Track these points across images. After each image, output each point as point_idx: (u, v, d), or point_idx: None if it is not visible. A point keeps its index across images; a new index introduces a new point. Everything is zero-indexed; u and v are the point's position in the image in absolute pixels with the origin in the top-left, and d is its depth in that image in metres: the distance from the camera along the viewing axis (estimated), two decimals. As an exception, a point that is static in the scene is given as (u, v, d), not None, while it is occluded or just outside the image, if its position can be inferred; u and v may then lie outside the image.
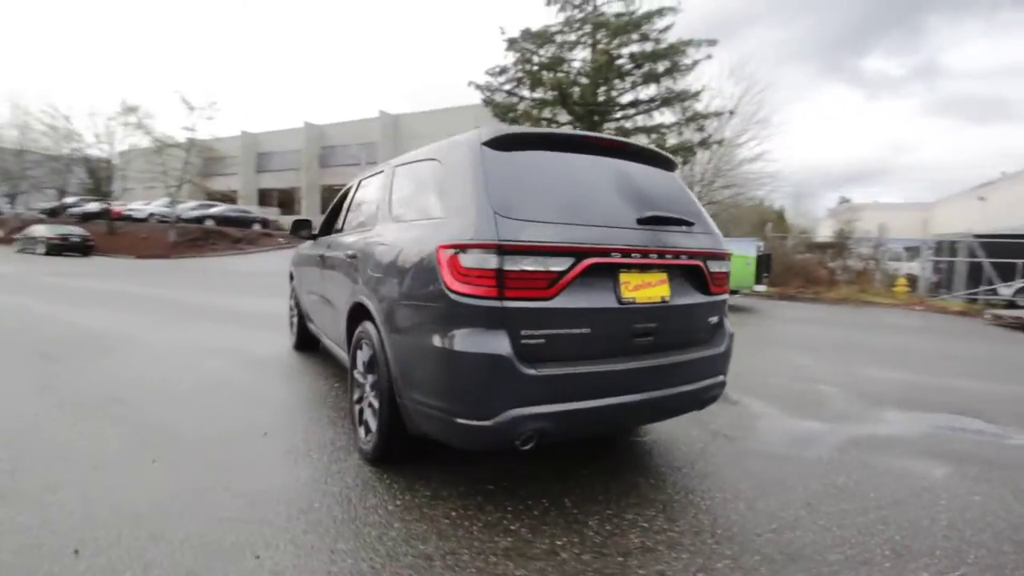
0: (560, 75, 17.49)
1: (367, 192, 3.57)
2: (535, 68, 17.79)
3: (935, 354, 6.72)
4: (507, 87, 18.55)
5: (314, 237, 4.57)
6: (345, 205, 3.89)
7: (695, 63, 16.98)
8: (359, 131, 35.80)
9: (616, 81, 17.13)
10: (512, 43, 18.01)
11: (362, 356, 2.74)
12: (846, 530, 2.22)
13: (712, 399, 2.59)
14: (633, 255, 2.22)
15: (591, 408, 2.08)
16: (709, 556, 2.00)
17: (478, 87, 18.94)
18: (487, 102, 18.89)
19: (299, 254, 5.00)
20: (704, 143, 16.89)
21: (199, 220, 25.58)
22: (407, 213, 2.71)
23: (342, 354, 3.29)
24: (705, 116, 16.91)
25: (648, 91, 17.74)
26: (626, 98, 17.64)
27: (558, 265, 2.06)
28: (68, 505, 2.20)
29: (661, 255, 2.33)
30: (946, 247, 14.94)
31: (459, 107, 32.43)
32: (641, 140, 18.34)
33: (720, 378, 2.59)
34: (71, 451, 2.75)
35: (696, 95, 17.20)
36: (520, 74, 18.01)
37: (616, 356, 2.19)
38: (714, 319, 2.62)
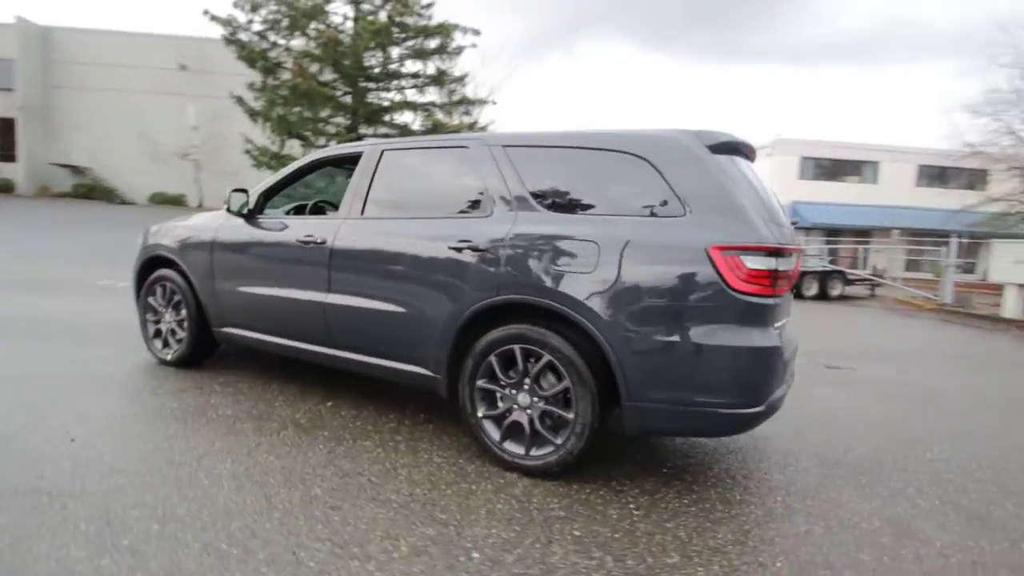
0: (328, 29, 15.83)
1: (429, 169, 3.03)
2: (294, 13, 15.63)
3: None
4: (259, 28, 15.78)
5: (250, 216, 3.46)
6: (362, 183, 3.11)
7: (461, 49, 17.72)
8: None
9: (392, 49, 16.52)
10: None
11: (531, 369, 2.49)
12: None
13: None
14: (796, 254, 2.66)
15: None
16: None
17: (216, 19, 15.54)
18: (230, 41, 15.73)
19: (202, 238, 3.65)
20: (473, 127, 17.90)
21: None
22: (570, 204, 2.53)
23: (319, 358, 3.18)
24: (472, 101, 17.90)
25: (417, 67, 17.72)
26: (396, 69, 17.20)
27: (789, 265, 2.36)
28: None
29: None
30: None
31: (157, 35, 25.82)
32: (408, 116, 18.29)
33: None
34: None
35: (462, 79, 18.01)
36: (278, 16, 15.54)
37: None
38: None
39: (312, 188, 4.57)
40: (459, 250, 2.66)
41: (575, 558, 1.93)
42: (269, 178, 3.60)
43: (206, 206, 25.86)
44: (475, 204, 2.76)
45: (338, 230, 3.07)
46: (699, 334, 2.21)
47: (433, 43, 17.20)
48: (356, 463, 2.56)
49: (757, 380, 2.24)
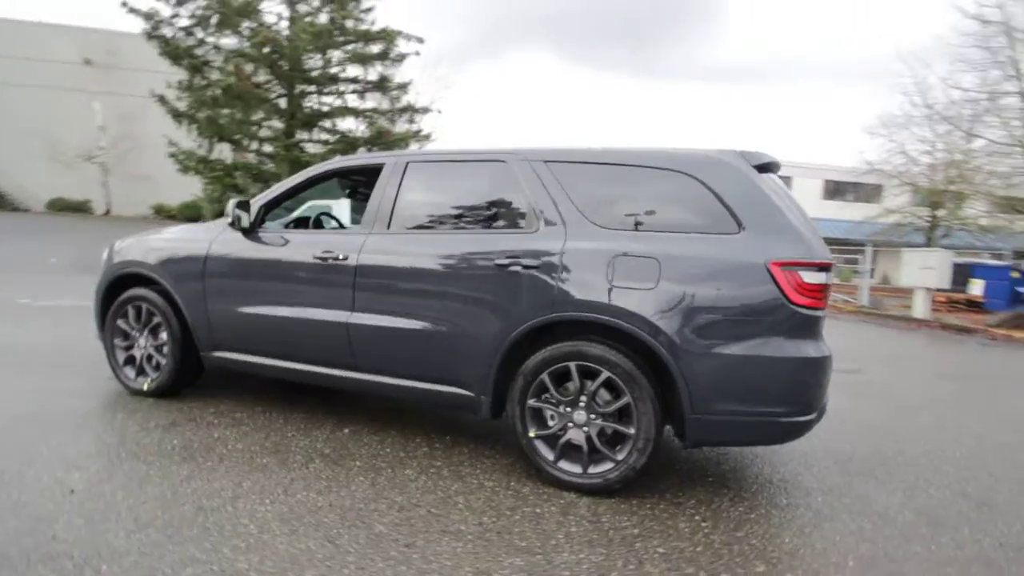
0: (263, 28, 15.02)
1: (463, 183, 2.95)
2: (225, 10, 14.70)
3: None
4: (185, 23, 14.69)
5: (250, 230, 3.20)
6: (387, 196, 2.96)
7: (404, 56, 17.44)
8: None
9: (332, 52, 15.93)
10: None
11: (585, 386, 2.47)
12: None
13: None
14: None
15: None
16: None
17: (135, 12, 14.29)
18: (152, 36, 14.54)
19: (191, 253, 3.32)
20: (417, 136, 17.62)
21: None
22: (622, 221, 2.55)
23: (330, 380, 3.03)
24: (416, 109, 17.63)
25: (358, 72, 17.22)
26: (337, 74, 16.62)
27: (832, 278, 2.50)
28: None
29: None
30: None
31: (60, 26, 23.44)
32: (350, 122, 17.75)
33: None
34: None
35: (405, 86, 17.71)
36: (207, 12, 14.54)
37: None
38: None
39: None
40: (506, 266, 2.60)
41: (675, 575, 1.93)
42: (270, 189, 3.33)
43: (115, 213, 23.63)
44: (518, 220, 2.71)
45: (363, 246, 2.90)
46: (762, 346, 2.28)
47: (375, 48, 16.80)
48: (407, 494, 2.42)
49: (813, 389, 2.35)
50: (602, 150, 2.74)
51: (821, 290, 2.33)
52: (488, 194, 2.88)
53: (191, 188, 21.10)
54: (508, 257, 2.59)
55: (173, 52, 14.62)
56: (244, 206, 3.15)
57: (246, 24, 14.96)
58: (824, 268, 2.34)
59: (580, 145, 2.84)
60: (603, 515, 2.33)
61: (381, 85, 17.29)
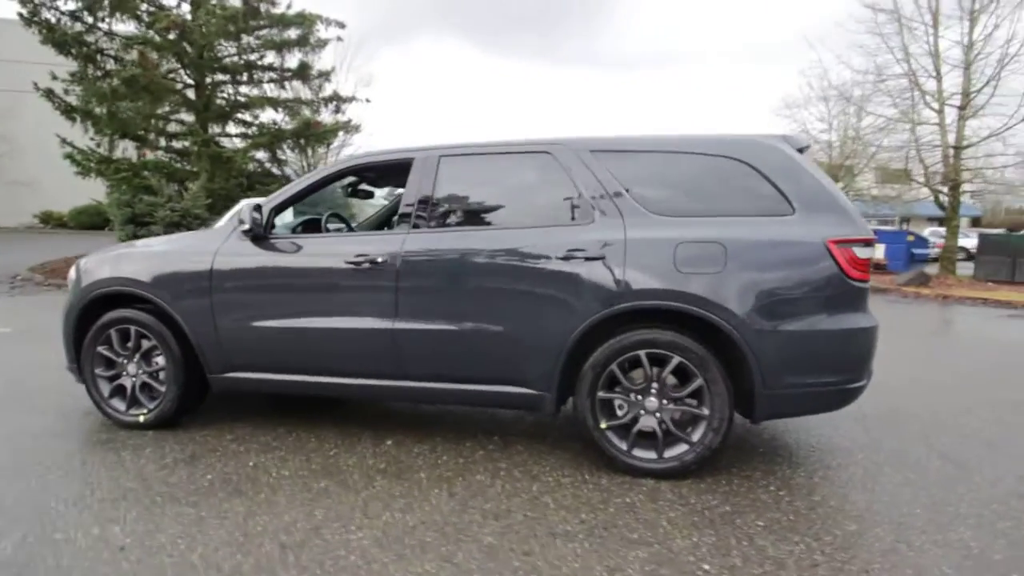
0: (163, 12, 13.58)
1: (505, 177, 2.86)
2: (118, -9, 13.13)
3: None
4: (72, 6, 12.94)
5: (263, 236, 2.92)
6: (421, 193, 2.80)
7: (325, 42, 16.49)
8: None
9: (246, 38, 14.71)
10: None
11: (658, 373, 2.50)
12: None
13: None
14: None
15: None
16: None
17: (8, -7, 12.41)
18: (30, 22, 12.71)
19: (192, 265, 2.97)
20: (347, 127, 16.78)
21: None
22: (679, 208, 2.58)
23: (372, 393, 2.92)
24: (344, 99, 16.76)
25: (276, 59, 16.08)
26: (254, 61, 15.42)
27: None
28: None
29: None
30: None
31: None
32: (270, 113, 16.65)
33: None
34: None
35: (328, 74, 16.78)
36: (96, -7, 12.89)
37: None
38: None
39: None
40: (567, 259, 2.55)
41: (786, 546, 2.01)
42: (280, 191, 3.04)
43: (-8, 225, 20.80)
44: (572, 212, 2.66)
45: (403, 246, 2.73)
46: (825, 320, 2.42)
47: (293, 34, 15.73)
48: (492, 501, 2.34)
49: (868, 356, 2.52)
50: (649, 138, 2.75)
51: (868, 264, 2.49)
52: (535, 187, 2.81)
53: (85, 192, 18.91)
54: (569, 250, 2.54)
55: (59, 40, 12.82)
56: (258, 210, 2.85)
57: (144, 7, 13.44)
58: (869, 243, 2.51)
59: (624, 134, 2.84)
60: (689, 497, 2.38)
61: (302, 73, 16.24)
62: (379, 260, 2.72)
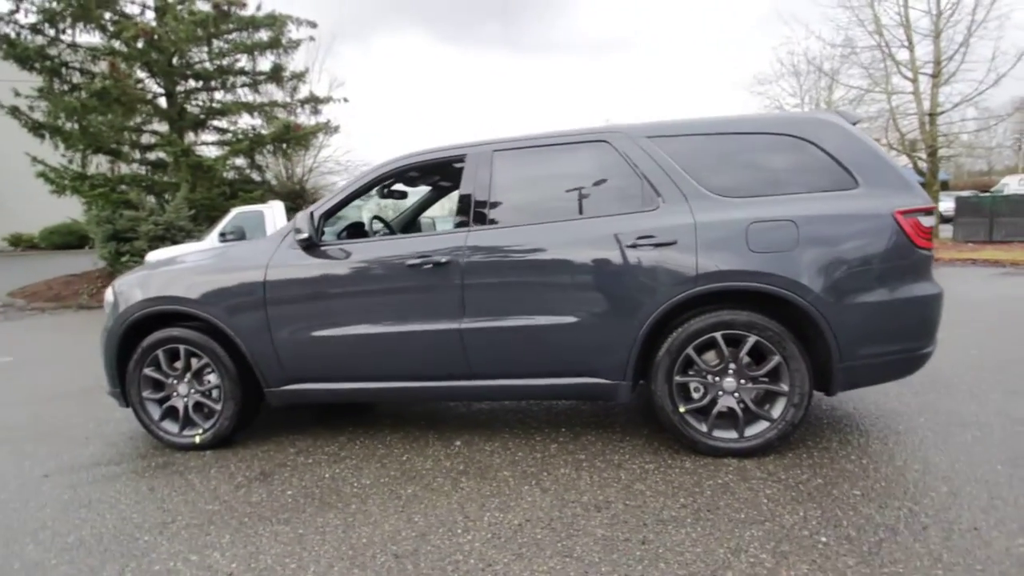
0: (128, 20, 13.08)
1: (561, 168, 2.82)
2: (80, 1, 12.60)
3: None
4: (33, 19, 12.38)
5: (314, 245, 2.85)
6: (479, 189, 2.75)
7: (298, 42, 16.12)
8: None
9: (217, 43, 14.27)
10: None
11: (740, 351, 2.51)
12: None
13: None
14: None
15: None
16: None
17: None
18: (-14, 36, 12.14)
19: (243, 279, 2.88)
20: (327, 128, 16.44)
21: None
22: (745, 188, 2.58)
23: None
24: (320, 100, 16.42)
25: (247, 63, 15.66)
26: (228, 66, 14.98)
27: None
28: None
29: None
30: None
31: None
32: (246, 118, 16.28)
33: None
34: None
35: (302, 75, 16.41)
36: (56, 5, 12.34)
37: None
38: None
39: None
40: (636, 246, 2.54)
41: (891, 512, 2.05)
42: (327, 197, 2.95)
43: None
44: (635, 199, 2.65)
45: (465, 244, 2.69)
46: (897, 290, 2.45)
47: (264, 36, 15.32)
48: (587, 493, 2.33)
49: (936, 321, 2.57)
50: (704, 121, 2.75)
51: (931, 232, 2.54)
52: (594, 176, 2.78)
53: (56, 211, 18.24)
54: (641, 237, 2.54)
55: (21, 55, 12.26)
56: (311, 217, 2.77)
57: (108, 16, 12.93)
58: (930, 212, 2.55)
59: (677, 118, 2.83)
60: (778, 473, 2.41)
61: (275, 75, 15.85)
62: (442, 261, 2.68)
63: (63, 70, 13.09)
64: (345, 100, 18.10)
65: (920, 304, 2.49)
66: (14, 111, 12.75)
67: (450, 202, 3.63)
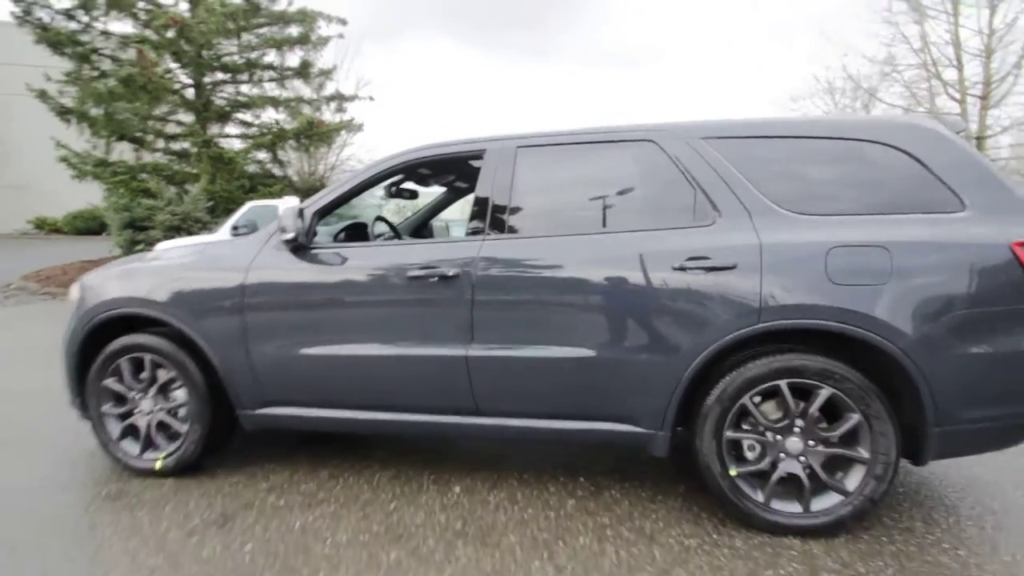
0: (160, 10, 13.06)
1: (598, 171, 2.38)
2: (114, -13, 12.60)
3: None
4: (67, 5, 12.41)
5: (304, 247, 2.43)
6: (498, 192, 2.32)
7: (326, 39, 15.99)
8: None
9: (246, 36, 14.19)
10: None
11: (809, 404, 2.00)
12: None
13: None
14: None
15: None
16: None
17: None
18: (23, 21, 12.20)
19: (220, 281, 2.49)
20: (351, 126, 16.26)
21: None
22: (824, 204, 2.09)
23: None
24: (346, 97, 16.25)
25: (276, 58, 15.57)
26: (256, 60, 14.91)
27: None
28: None
29: None
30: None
31: None
32: (271, 113, 16.20)
33: None
34: None
35: (330, 72, 16.28)
36: (92, -10, 12.35)
37: None
38: None
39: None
40: (686, 269, 2.08)
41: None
42: (323, 192, 2.55)
43: (-15, 233, 20.25)
44: (685, 212, 2.18)
45: (478, 255, 2.25)
46: (1015, 339, 1.94)
47: (294, 31, 15.23)
48: (625, 568, 1.86)
49: None
50: (774, 121, 2.28)
51: (1058, 269, 2.03)
52: (636, 182, 2.33)
53: (80, 196, 18.37)
54: (691, 259, 2.07)
55: (53, 39, 12.29)
56: (301, 215, 2.36)
57: (142, 5, 12.91)
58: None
59: (742, 118, 2.36)
60: (855, 563, 1.90)
61: (303, 71, 15.74)
62: (450, 273, 2.24)
63: (93, 56, 13.08)
64: (371, 99, 17.98)
65: (1045, 360, 1.98)
66: (43, 95, 12.76)
67: (469, 205, 3.22)
